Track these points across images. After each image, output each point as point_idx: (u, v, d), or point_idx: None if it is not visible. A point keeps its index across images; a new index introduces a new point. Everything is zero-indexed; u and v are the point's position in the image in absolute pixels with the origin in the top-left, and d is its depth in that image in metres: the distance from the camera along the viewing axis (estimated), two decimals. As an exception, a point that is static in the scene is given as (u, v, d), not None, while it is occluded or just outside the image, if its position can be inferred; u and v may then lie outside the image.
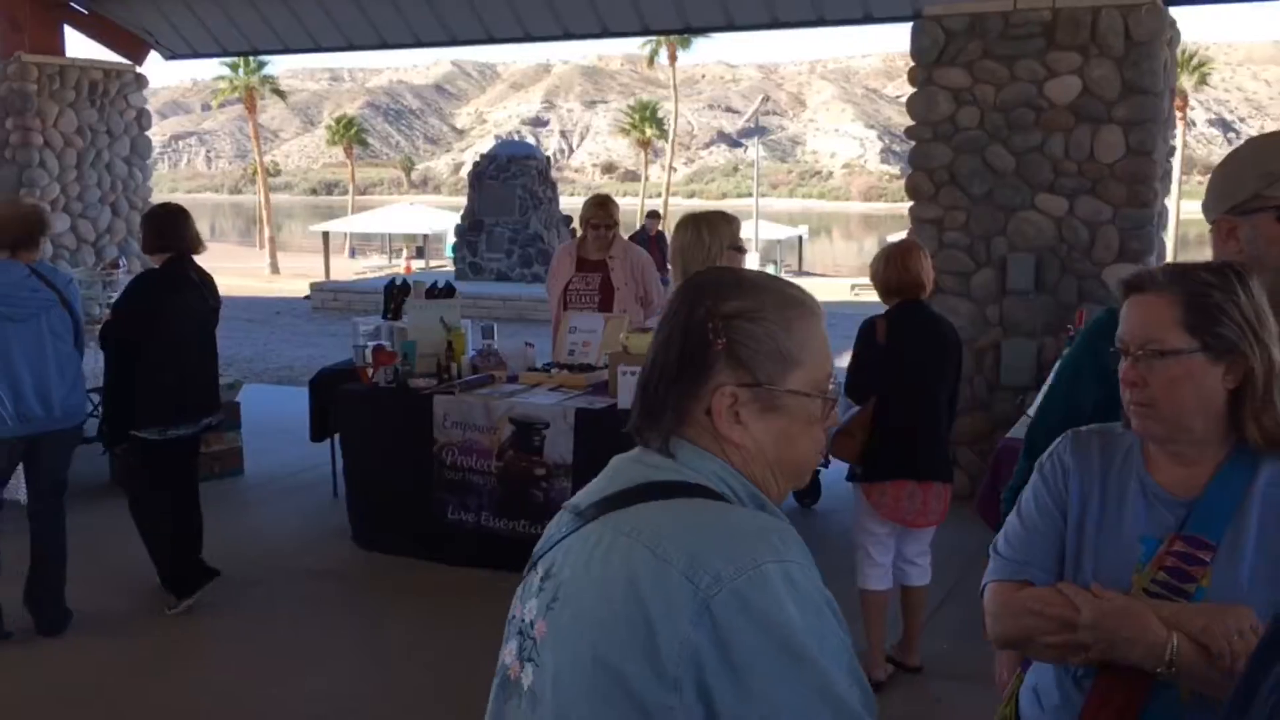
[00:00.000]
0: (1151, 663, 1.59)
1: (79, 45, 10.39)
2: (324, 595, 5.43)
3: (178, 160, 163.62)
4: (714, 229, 3.99)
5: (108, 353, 5.08)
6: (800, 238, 36.70)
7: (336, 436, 6.55)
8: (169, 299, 4.98)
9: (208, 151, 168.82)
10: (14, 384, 4.59)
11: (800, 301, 1.34)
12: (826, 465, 5.19)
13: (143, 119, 10.67)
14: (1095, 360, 1.98)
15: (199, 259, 5.18)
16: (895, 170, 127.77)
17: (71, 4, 10.16)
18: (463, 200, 22.44)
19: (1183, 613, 1.60)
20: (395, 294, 7.19)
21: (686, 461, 1.30)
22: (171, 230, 5.06)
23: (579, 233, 6.32)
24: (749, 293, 1.32)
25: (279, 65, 49.78)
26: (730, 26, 8.83)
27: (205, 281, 5.17)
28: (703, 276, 1.38)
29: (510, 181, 20.77)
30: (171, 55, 10.81)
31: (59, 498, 4.90)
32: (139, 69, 10.60)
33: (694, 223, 4.07)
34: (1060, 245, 6.65)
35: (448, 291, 6.91)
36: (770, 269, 27.53)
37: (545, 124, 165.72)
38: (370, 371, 5.92)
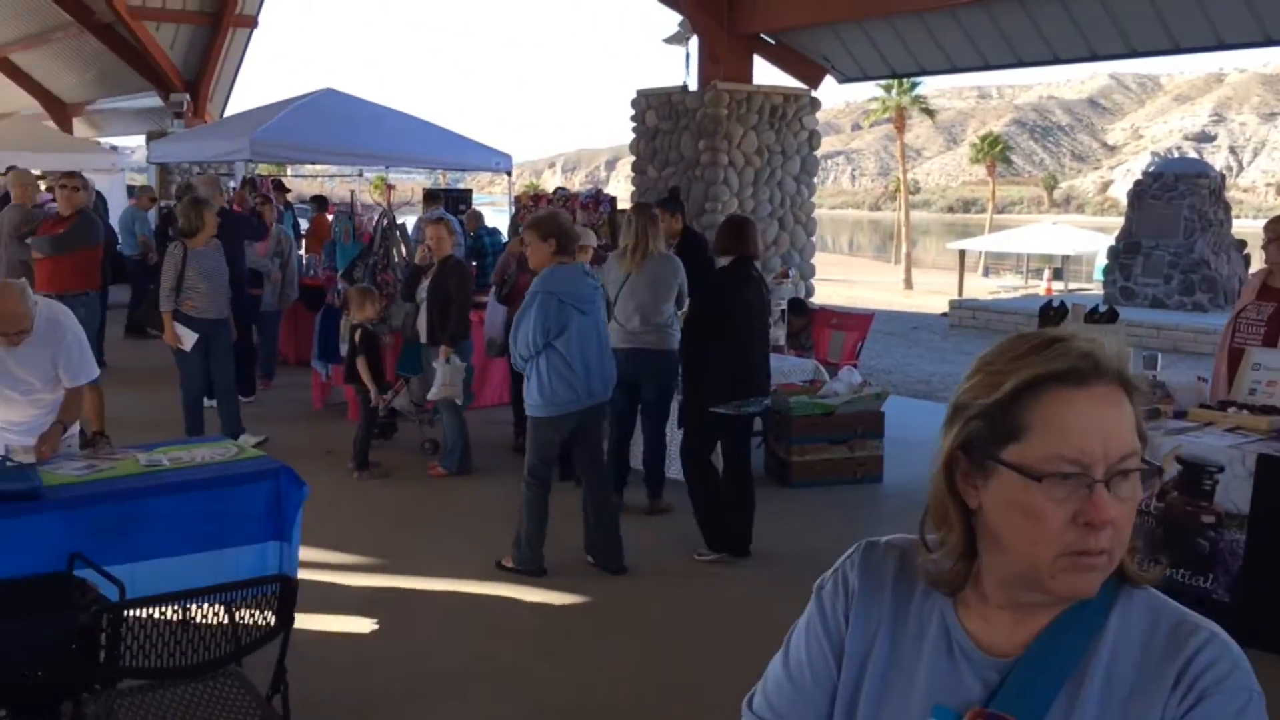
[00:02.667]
0: None
1: (763, 73, 11.38)
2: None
3: (825, 178, 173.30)
4: None
5: (687, 341, 5.98)
6: None
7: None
8: (740, 295, 5.77)
9: (853, 170, 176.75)
10: (584, 365, 5.43)
11: None
12: None
13: (813, 139, 11.42)
14: None
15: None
16: None
17: (761, 36, 11.16)
18: (1108, 220, 21.10)
19: None
20: (1052, 316, 6.94)
21: None
22: (743, 237, 5.87)
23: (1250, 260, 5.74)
24: None
25: (928, 85, 50.62)
26: None
27: (763, 279, 6.06)
28: None
29: (1176, 201, 19.13)
30: (844, 79, 11.44)
31: (601, 457, 5.89)
32: (814, 93, 11.36)
33: None
34: None
35: (1109, 316, 6.56)
36: None
37: (1212, 139, 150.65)
38: (1023, 393, 5.77)
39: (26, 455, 4.30)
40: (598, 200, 10.47)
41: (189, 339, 7.37)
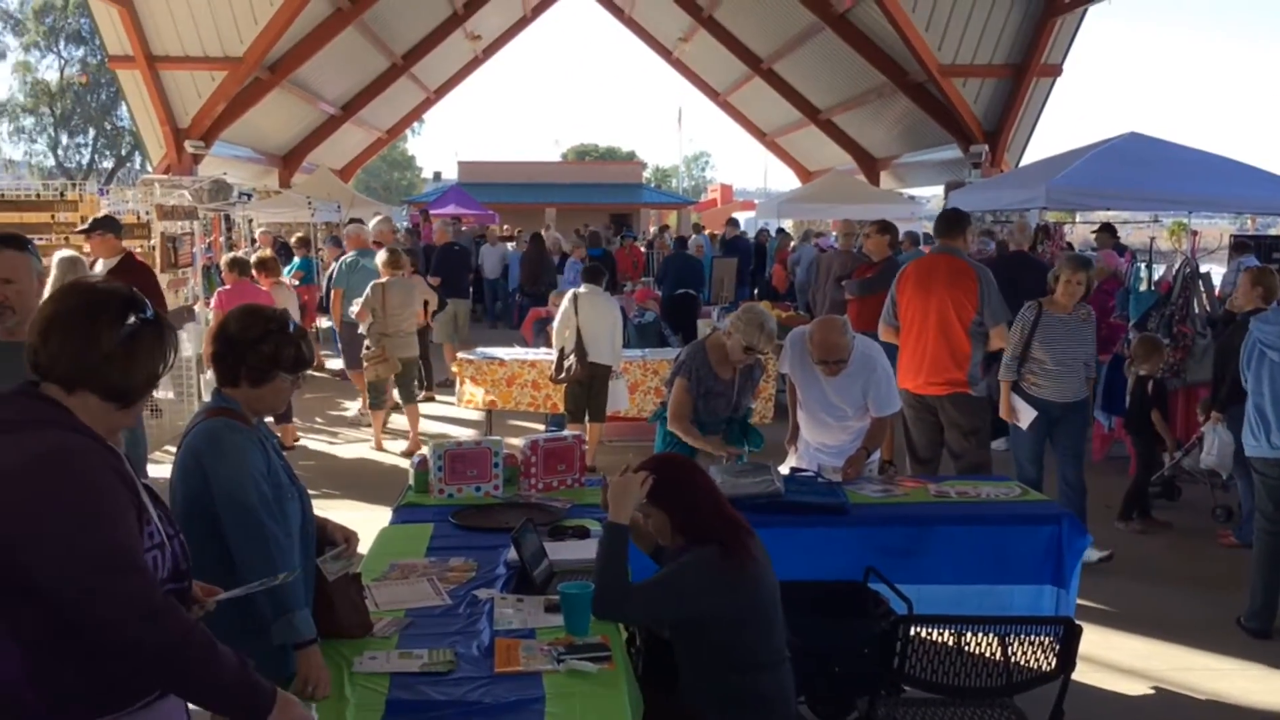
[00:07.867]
0: None
1: None
2: None
3: None
4: None
5: None
6: None
7: None
8: None
9: None
10: (1261, 410, 5.25)
11: None
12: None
13: None
14: None
15: None
16: None
17: None
18: None
19: None
20: None
21: None
22: None
23: None
24: None
25: None
26: None
27: None
28: None
29: None
30: None
31: None
32: None
33: None
34: None
35: None
36: None
37: None
38: None
39: (835, 475, 4.86)
40: None
41: (1026, 416, 6.17)
